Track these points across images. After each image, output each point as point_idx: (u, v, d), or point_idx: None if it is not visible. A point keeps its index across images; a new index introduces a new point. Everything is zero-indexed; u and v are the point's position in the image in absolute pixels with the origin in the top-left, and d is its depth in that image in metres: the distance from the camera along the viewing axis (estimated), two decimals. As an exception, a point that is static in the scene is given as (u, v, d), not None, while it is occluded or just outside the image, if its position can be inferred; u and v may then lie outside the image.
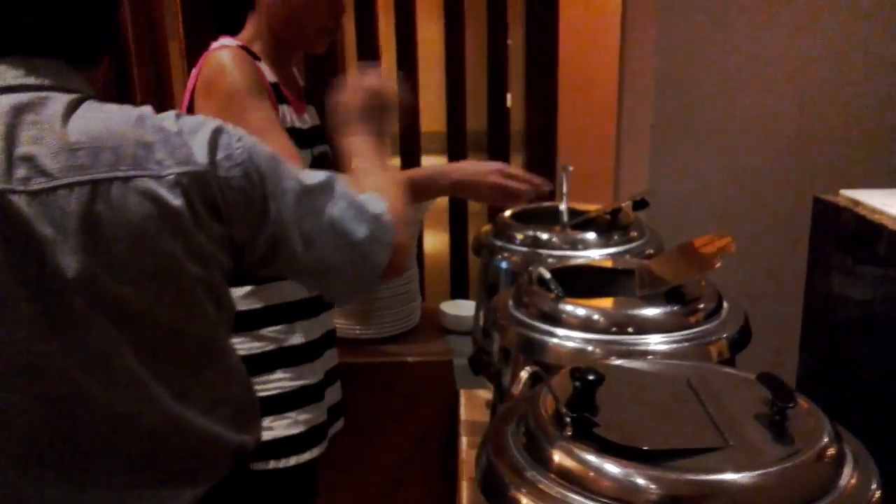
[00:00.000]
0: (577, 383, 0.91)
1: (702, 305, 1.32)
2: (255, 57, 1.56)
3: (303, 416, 1.68)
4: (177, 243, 0.94)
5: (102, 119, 0.96)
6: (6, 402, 0.92)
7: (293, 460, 1.66)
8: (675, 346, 1.25)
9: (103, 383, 0.96)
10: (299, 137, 1.64)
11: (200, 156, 0.97)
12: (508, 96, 2.81)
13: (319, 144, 1.72)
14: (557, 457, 0.86)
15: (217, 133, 1.00)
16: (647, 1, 2.21)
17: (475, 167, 1.83)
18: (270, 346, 1.62)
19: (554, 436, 0.88)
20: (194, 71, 1.54)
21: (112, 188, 0.90)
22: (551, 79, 2.67)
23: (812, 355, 1.91)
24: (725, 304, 1.37)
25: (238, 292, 1.58)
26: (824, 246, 1.83)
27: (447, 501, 1.85)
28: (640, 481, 0.81)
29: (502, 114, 2.71)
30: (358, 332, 2.23)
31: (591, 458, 0.84)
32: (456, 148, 2.72)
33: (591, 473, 0.84)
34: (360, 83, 1.48)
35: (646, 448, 0.84)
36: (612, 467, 0.83)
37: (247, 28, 1.62)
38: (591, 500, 0.83)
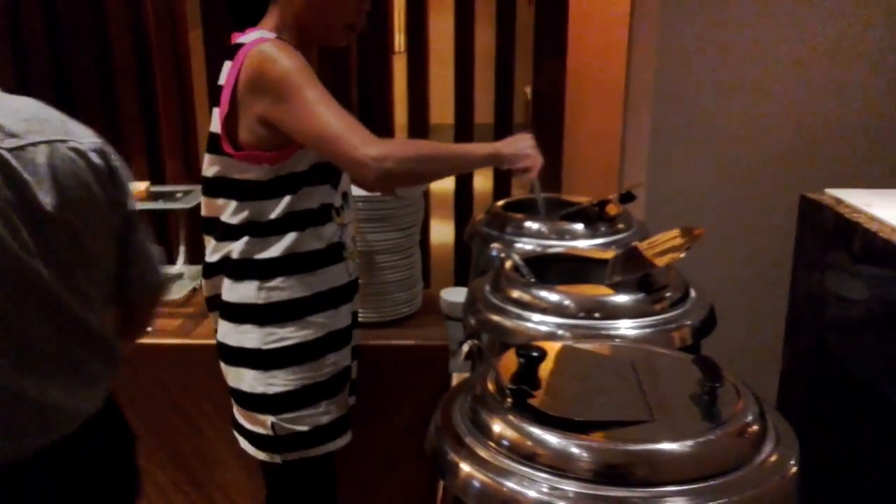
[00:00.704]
0: (522, 359, 0.98)
1: (668, 294, 1.37)
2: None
3: (344, 397, 1.72)
4: (101, 191, 1.21)
5: (27, 102, 1.22)
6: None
7: (342, 441, 1.71)
8: (640, 331, 1.31)
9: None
10: None
11: (91, 136, 1.25)
12: (527, 90, 2.86)
13: None
14: (495, 426, 0.93)
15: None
16: (651, 3, 2.25)
17: (513, 138, 1.73)
18: (322, 332, 1.63)
19: (494, 407, 0.95)
20: (231, 67, 1.51)
21: (60, 147, 1.17)
22: (559, 73, 2.72)
23: (795, 349, 1.94)
24: (692, 294, 1.42)
25: (287, 281, 1.59)
26: (808, 243, 1.87)
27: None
28: (570, 449, 0.88)
29: (509, 107, 2.76)
30: (360, 315, 2.30)
31: (526, 427, 0.91)
32: (463, 140, 2.78)
33: (525, 441, 0.90)
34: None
35: (576, 419, 0.90)
36: (543, 436, 0.89)
37: (268, 19, 1.59)
38: (526, 466, 0.89)
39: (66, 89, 2.62)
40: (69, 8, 2.55)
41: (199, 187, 2.50)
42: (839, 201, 1.76)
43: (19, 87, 2.57)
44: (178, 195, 2.41)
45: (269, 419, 1.61)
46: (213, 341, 2.21)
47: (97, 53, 2.60)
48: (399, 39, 3.05)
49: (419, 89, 2.73)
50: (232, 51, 1.53)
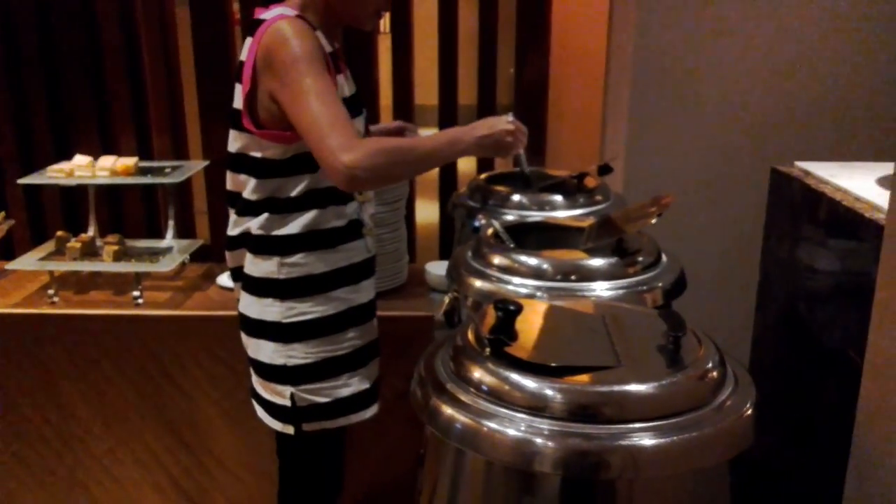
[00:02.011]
0: (499, 313, 1.05)
1: (641, 258, 1.45)
2: (312, 27, 1.53)
3: (371, 371, 1.73)
4: None
5: None
6: None
7: (369, 413, 1.74)
8: (614, 293, 1.38)
9: None
10: (354, 103, 1.64)
11: None
12: (512, 70, 2.90)
13: (363, 107, 1.72)
14: (475, 373, 1.00)
15: None
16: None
17: (488, 120, 1.65)
18: (342, 307, 1.64)
19: (473, 356, 1.02)
20: (252, 42, 1.52)
21: None
22: (543, 54, 2.77)
23: (766, 316, 2.02)
24: (664, 258, 1.50)
25: (308, 257, 1.60)
26: (779, 214, 1.94)
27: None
28: (544, 391, 0.95)
29: (493, 88, 2.81)
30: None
31: (503, 372, 0.98)
32: (448, 121, 2.83)
33: (503, 385, 0.97)
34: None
35: (550, 364, 0.97)
36: (520, 380, 0.96)
37: None
38: (504, 408, 0.96)
39: (53, 66, 2.64)
40: (57, -15, 2.58)
41: (186, 163, 2.57)
42: (807, 173, 1.83)
43: (9, 67, 2.61)
44: (167, 170, 2.45)
45: (289, 390, 1.65)
46: (202, 312, 2.28)
47: (85, 31, 2.62)
48: (384, 21, 3.09)
49: (404, 71, 2.77)
50: (253, 26, 1.55)
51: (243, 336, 1.72)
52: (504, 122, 1.60)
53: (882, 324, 1.13)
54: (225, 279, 2.45)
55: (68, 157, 2.47)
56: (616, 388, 0.93)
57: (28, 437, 2.34)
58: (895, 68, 2.20)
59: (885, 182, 1.63)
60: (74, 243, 2.35)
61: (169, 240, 2.49)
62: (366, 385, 1.72)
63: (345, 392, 1.67)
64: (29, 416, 2.32)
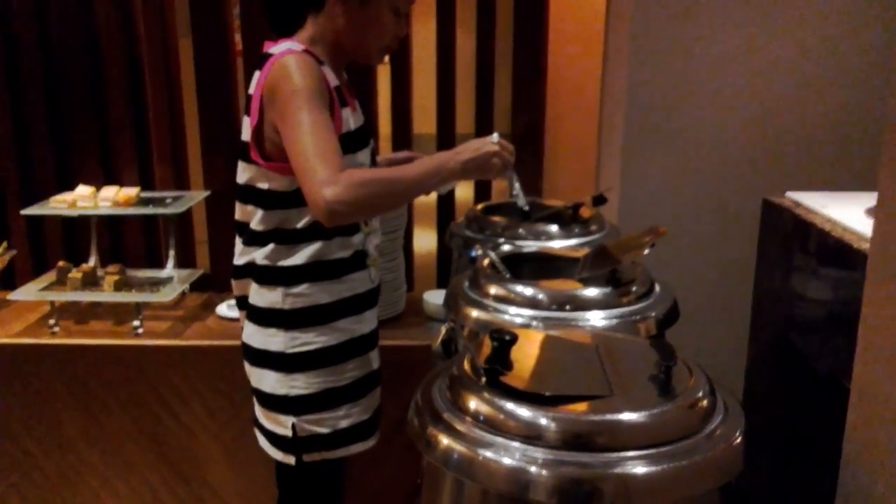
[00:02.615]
0: (495, 342, 1.07)
1: (634, 288, 1.47)
2: (319, 61, 1.57)
3: (371, 402, 1.74)
4: None
5: None
6: None
7: (369, 443, 1.76)
8: (608, 322, 1.41)
9: None
10: (361, 136, 1.67)
11: None
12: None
13: (370, 138, 1.75)
14: (471, 402, 1.02)
15: None
16: (623, 13, 2.36)
17: (472, 143, 1.66)
18: (345, 337, 1.66)
19: (469, 385, 1.04)
20: (260, 76, 1.55)
21: None
22: (539, 83, 2.82)
23: (759, 345, 2.05)
24: (657, 288, 1.52)
25: (313, 288, 1.62)
26: (770, 243, 1.97)
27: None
28: (539, 420, 0.97)
29: (490, 117, 2.85)
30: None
31: (499, 401, 1.00)
32: (446, 150, 2.85)
33: (499, 415, 0.99)
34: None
35: (544, 394, 0.99)
36: (515, 409, 0.99)
37: (307, 29, 1.62)
38: (500, 436, 0.98)
39: (56, 96, 2.68)
40: (61, 18, 2.62)
41: (187, 193, 2.61)
42: (797, 203, 1.86)
43: (12, 97, 2.65)
44: (168, 201, 2.49)
45: (290, 420, 1.66)
46: (201, 342, 2.30)
47: (88, 62, 2.66)
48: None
49: (402, 100, 2.82)
50: (262, 60, 1.58)
51: (246, 365, 1.73)
52: (489, 144, 1.61)
53: (866, 354, 1.16)
54: (224, 309, 2.47)
55: (71, 187, 2.50)
56: (609, 417, 0.95)
57: (26, 469, 2.35)
58: (883, 98, 2.25)
59: (872, 212, 1.66)
60: (76, 273, 2.38)
61: (169, 269, 2.52)
62: (366, 416, 1.73)
63: (345, 423, 1.69)
64: (27, 448, 2.33)
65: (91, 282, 2.41)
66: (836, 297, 1.65)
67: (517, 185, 1.81)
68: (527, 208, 1.84)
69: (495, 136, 1.64)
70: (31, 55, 2.65)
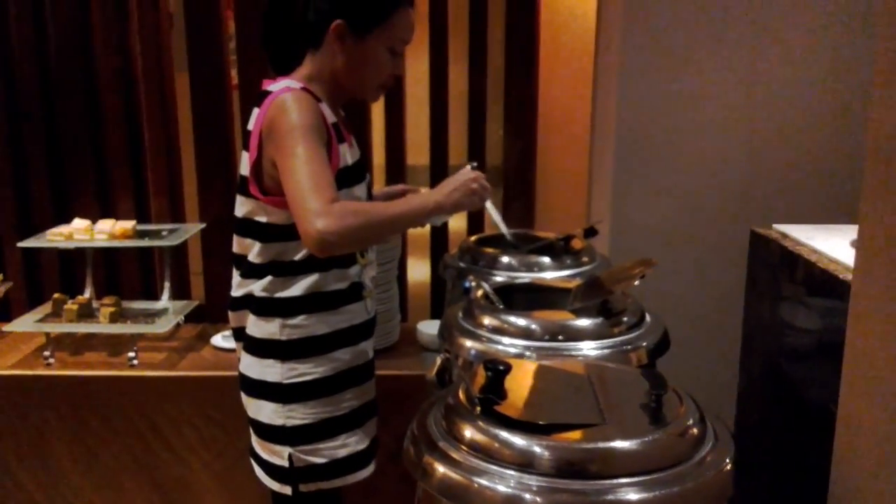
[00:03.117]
0: (489, 372, 1.09)
1: (625, 318, 1.50)
2: (317, 99, 1.60)
3: (368, 431, 1.76)
4: None
5: None
6: None
7: (365, 473, 1.76)
8: (600, 352, 1.43)
9: None
10: (357, 171, 1.70)
11: None
12: (501, 132, 2.99)
13: (367, 172, 1.78)
14: (466, 431, 1.04)
15: None
16: (612, 47, 2.42)
17: (453, 177, 1.71)
18: (342, 368, 1.68)
19: (464, 414, 1.06)
20: (258, 113, 1.59)
21: None
22: (530, 115, 2.86)
23: (750, 373, 2.07)
24: (648, 318, 1.55)
25: (310, 319, 1.64)
26: (758, 274, 2.01)
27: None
28: (533, 448, 0.99)
29: (482, 149, 2.89)
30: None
31: (493, 430, 1.02)
32: (439, 182, 2.88)
33: (493, 443, 1.01)
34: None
35: (538, 422, 1.01)
36: (509, 437, 1.01)
37: (305, 67, 1.66)
38: (494, 465, 1.00)
39: (53, 130, 2.71)
40: (59, 52, 2.66)
41: (183, 225, 2.63)
42: (785, 235, 1.90)
43: (9, 129, 2.68)
44: (164, 233, 2.51)
45: (287, 450, 1.67)
46: (196, 373, 2.32)
47: (85, 95, 2.70)
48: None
49: (396, 133, 2.86)
50: (261, 98, 1.62)
51: (243, 396, 1.74)
52: (466, 173, 1.67)
53: (851, 382, 1.18)
54: (219, 340, 2.48)
55: (67, 219, 2.52)
56: (601, 445, 0.97)
57: (19, 500, 2.34)
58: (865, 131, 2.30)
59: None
60: (71, 305, 2.39)
61: (164, 301, 2.54)
62: (363, 445, 1.74)
63: (342, 452, 1.70)
64: (20, 479, 2.33)
65: (86, 313, 2.43)
66: (824, 326, 1.68)
67: (496, 214, 1.89)
68: (510, 236, 1.90)
69: (469, 166, 1.70)
70: (29, 88, 2.69)
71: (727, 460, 1.02)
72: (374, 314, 1.80)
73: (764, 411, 2.01)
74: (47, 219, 2.68)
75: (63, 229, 2.44)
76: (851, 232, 1.82)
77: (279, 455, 1.68)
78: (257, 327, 1.67)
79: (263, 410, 1.68)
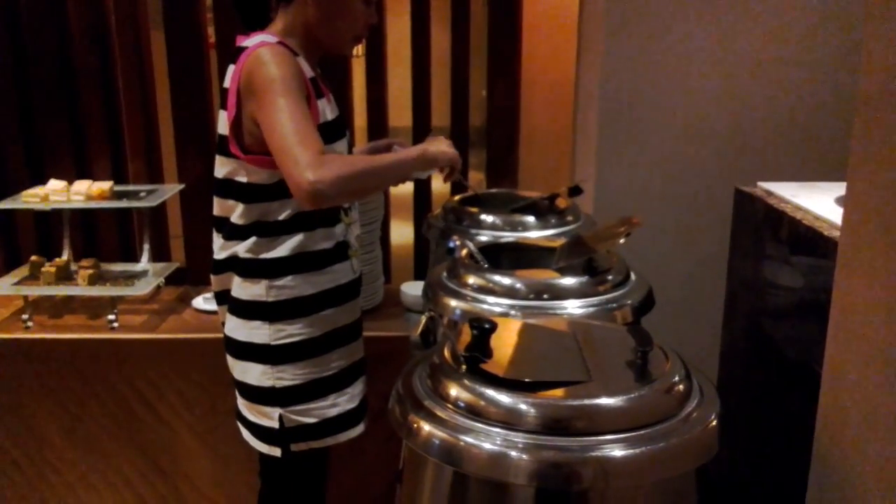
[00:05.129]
0: (475, 331, 1.08)
1: (610, 277, 1.49)
2: (294, 53, 1.57)
3: (357, 390, 1.75)
4: None
5: None
6: None
7: (356, 431, 1.76)
8: (585, 310, 1.43)
9: None
10: (337, 127, 1.68)
11: None
12: (484, 92, 2.95)
13: (346, 129, 1.76)
14: (452, 389, 1.03)
15: None
16: (597, 8, 2.38)
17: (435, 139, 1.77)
18: (329, 328, 1.67)
19: (450, 373, 1.05)
20: (235, 69, 1.56)
21: None
22: (514, 75, 2.83)
23: (733, 331, 2.08)
24: (633, 277, 1.54)
25: (296, 280, 1.62)
26: (742, 232, 2.01)
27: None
28: (519, 406, 0.99)
29: (465, 110, 2.86)
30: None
31: (479, 388, 1.01)
32: (421, 142, 2.85)
33: (479, 401, 1.01)
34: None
35: (524, 380, 1.00)
36: (495, 395, 1.00)
37: (278, 22, 1.63)
38: (480, 423, 1.00)
39: (27, 90, 2.65)
40: (30, 10, 2.58)
41: (161, 186, 2.59)
42: (769, 193, 1.90)
43: (-18, 89, 2.61)
44: (142, 194, 2.47)
45: (277, 411, 1.66)
46: (177, 335, 2.29)
47: (59, 54, 2.62)
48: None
49: (377, 93, 2.81)
50: (236, 54, 1.58)
51: (229, 359, 1.73)
52: (444, 141, 1.73)
53: (837, 338, 1.19)
54: (201, 302, 2.46)
55: (42, 181, 2.47)
56: (587, 401, 0.97)
57: (1, 465, 2.32)
58: (851, 91, 2.29)
59: (842, 201, 1.69)
60: (49, 268, 2.36)
61: (144, 263, 2.50)
62: (353, 404, 1.74)
63: (333, 412, 1.70)
64: (3, 445, 2.31)
65: (65, 276, 2.39)
66: (807, 284, 1.68)
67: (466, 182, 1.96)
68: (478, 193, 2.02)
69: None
70: (1, 49, 2.61)
71: (713, 416, 1.02)
72: (359, 274, 1.78)
73: (747, 368, 2.02)
74: (22, 181, 2.62)
75: (38, 191, 2.39)
76: (836, 190, 1.82)
77: (269, 416, 1.67)
78: (243, 289, 1.65)
79: (251, 372, 1.67)
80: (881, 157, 1.04)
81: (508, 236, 1.87)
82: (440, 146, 1.69)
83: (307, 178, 1.40)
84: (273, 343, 1.64)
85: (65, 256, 2.51)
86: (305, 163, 1.41)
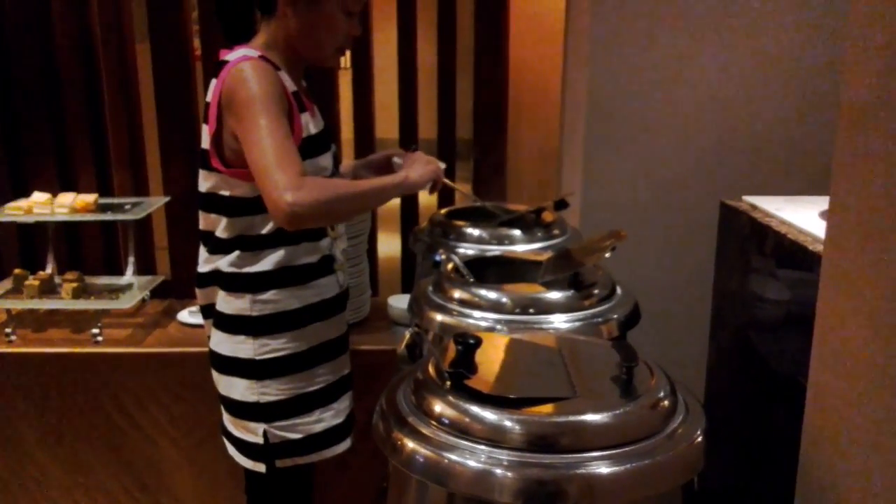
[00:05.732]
0: (459, 346, 1.08)
1: (596, 291, 1.49)
2: (276, 67, 1.57)
3: (343, 405, 1.74)
4: None
5: None
6: None
7: (341, 447, 1.75)
8: (571, 325, 1.42)
9: None
10: (321, 140, 1.67)
11: None
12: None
13: (332, 143, 1.75)
14: (436, 406, 1.03)
15: None
16: (583, 20, 2.39)
17: (411, 158, 1.79)
18: (315, 343, 1.66)
19: (434, 389, 1.04)
20: (216, 84, 1.55)
21: None
22: (501, 87, 2.83)
23: (719, 345, 2.08)
24: (619, 291, 1.54)
25: (280, 294, 1.61)
26: (728, 246, 2.01)
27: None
28: (504, 423, 0.98)
29: (452, 122, 2.86)
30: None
31: (464, 405, 1.00)
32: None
33: (463, 418, 1.00)
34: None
35: (509, 397, 1.00)
36: (480, 412, 0.99)
37: (261, 35, 1.62)
38: (464, 440, 0.99)
39: (10, 101, 2.63)
40: (14, 20, 2.57)
41: (147, 199, 2.57)
42: (754, 207, 1.90)
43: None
44: (127, 207, 2.45)
45: (262, 427, 1.65)
46: (162, 349, 2.28)
47: (43, 66, 2.61)
48: (345, 56, 3.13)
49: (364, 105, 2.81)
50: (218, 68, 1.58)
51: (214, 373, 1.72)
52: (419, 155, 1.76)
53: (821, 352, 1.19)
54: (186, 315, 2.44)
55: (26, 193, 2.45)
56: (572, 418, 0.96)
57: (-17, 480, 2.30)
58: (835, 105, 2.30)
59: (826, 215, 1.70)
60: (32, 281, 2.34)
61: (129, 276, 2.49)
62: (339, 420, 1.73)
63: (318, 427, 1.68)
64: (-16, 458, 2.28)
65: (49, 289, 2.37)
66: (793, 297, 1.69)
67: (458, 185, 1.97)
68: (481, 203, 2.03)
69: (413, 150, 1.82)
70: (-16, 59, 2.60)
71: (698, 432, 1.02)
72: (346, 287, 1.77)
73: (733, 382, 2.02)
74: (5, 193, 2.60)
75: (22, 203, 2.37)
76: (820, 203, 1.83)
77: (253, 432, 1.66)
78: (227, 303, 1.64)
79: (236, 387, 1.66)
80: (863, 171, 1.05)
81: (495, 250, 1.86)
82: (419, 170, 1.70)
83: (285, 200, 1.40)
84: (258, 358, 1.63)
85: (49, 269, 2.49)
86: (284, 185, 1.41)
